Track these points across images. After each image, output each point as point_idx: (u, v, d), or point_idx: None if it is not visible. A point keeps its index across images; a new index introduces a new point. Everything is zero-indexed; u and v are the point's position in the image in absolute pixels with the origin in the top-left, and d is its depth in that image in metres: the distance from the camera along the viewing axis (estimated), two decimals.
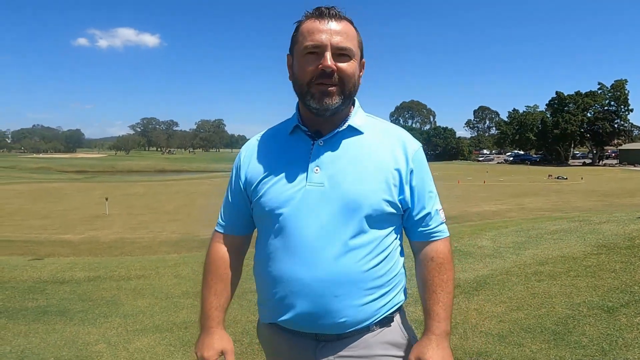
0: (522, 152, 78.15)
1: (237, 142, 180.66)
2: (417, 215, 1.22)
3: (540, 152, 73.07)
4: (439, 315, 1.17)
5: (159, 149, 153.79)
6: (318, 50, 1.12)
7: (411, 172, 1.19)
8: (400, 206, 1.19)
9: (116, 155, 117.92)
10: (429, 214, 1.22)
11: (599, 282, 4.14)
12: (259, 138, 1.31)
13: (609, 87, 62.76)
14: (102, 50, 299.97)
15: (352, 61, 1.15)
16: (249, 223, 1.30)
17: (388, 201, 1.15)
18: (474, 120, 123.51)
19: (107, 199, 15.90)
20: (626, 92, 61.50)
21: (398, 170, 1.17)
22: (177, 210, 16.05)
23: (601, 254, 5.10)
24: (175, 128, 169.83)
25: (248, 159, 1.27)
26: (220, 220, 1.33)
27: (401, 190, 1.18)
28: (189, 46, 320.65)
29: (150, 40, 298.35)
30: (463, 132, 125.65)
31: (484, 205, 13.99)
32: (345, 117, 1.21)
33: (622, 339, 2.94)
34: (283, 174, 1.18)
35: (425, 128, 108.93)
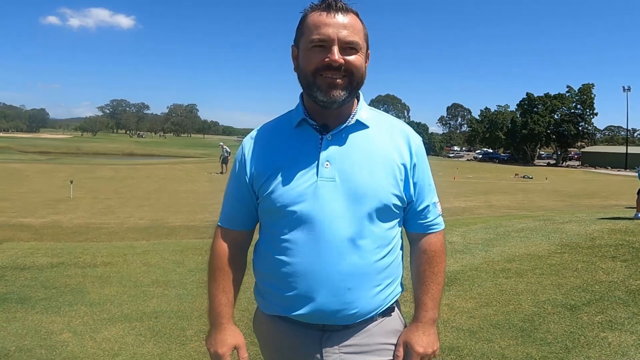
0: (491, 151, 79.99)
1: (210, 127, 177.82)
2: (417, 207, 1.26)
3: (508, 151, 75.02)
4: (427, 304, 1.26)
5: (128, 132, 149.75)
6: (325, 44, 1.12)
7: (414, 166, 1.23)
8: (405, 199, 1.23)
9: (82, 136, 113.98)
10: (427, 206, 1.27)
11: (562, 280, 4.29)
12: (262, 131, 1.28)
13: (577, 91, 64.85)
14: (73, 30, 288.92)
15: (359, 54, 1.15)
16: (254, 217, 1.30)
17: (396, 195, 1.20)
18: (446, 116, 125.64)
19: (71, 182, 15.34)
20: (592, 96, 63.67)
21: (404, 165, 1.22)
22: (147, 196, 15.67)
23: (564, 253, 5.29)
24: (146, 111, 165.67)
25: (253, 153, 1.24)
26: (224, 215, 1.31)
27: (406, 184, 1.22)
28: (165, 29, 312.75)
29: (125, 21, 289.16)
30: (436, 128, 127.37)
31: (454, 201, 14.25)
32: (352, 111, 1.22)
33: (584, 337, 3.05)
34: (293, 169, 1.17)
35: None
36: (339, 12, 1.14)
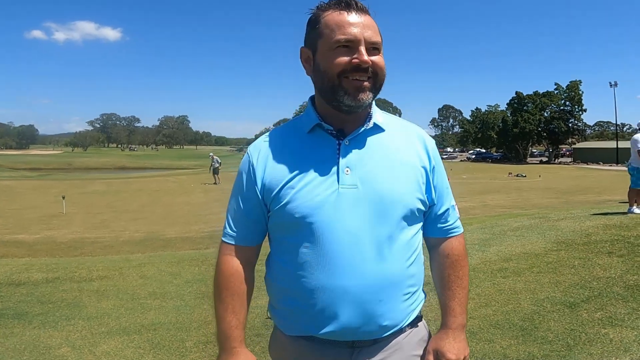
0: (483, 150, 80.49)
1: (202, 138, 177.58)
2: (438, 211, 1.23)
3: (501, 151, 75.48)
4: (455, 310, 1.22)
5: (119, 146, 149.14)
6: (351, 45, 1.08)
7: (433, 168, 1.20)
8: (427, 203, 1.20)
9: (73, 152, 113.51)
10: (447, 209, 1.24)
11: (560, 278, 4.30)
12: (269, 139, 1.20)
13: (565, 88, 65.50)
14: (59, 44, 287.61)
15: (381, 54, 1.13)
16: (263, 232, 1.21)
17: (420, 199, 1.16)
18: (438, 118, 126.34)
19: (64, 198, 15.22)
20: (580, 92, 64.33)
21: (424, 168, 1.18)
22: (141, 209, 15.58)
23: (561, 250, 5.30)
24: (137, 124, 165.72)
25: (263, 162, 1.15)
26: (230, 231, 1.21)
27: (428, 188, 1.19)
28: (152, 41, 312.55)
29: (111, 34, 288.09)
30: (428, 130, 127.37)
31: None
32: (368, 114, 1.18)
33: (585, 334, 3.05)
34: (311, 177, 1.10)
35: None
36: (360, 12, 1.10)
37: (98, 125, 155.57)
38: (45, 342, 3.33)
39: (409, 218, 1.14)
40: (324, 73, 1.10)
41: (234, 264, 1.19)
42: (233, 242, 1.20)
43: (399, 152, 1.17)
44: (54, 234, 10.70)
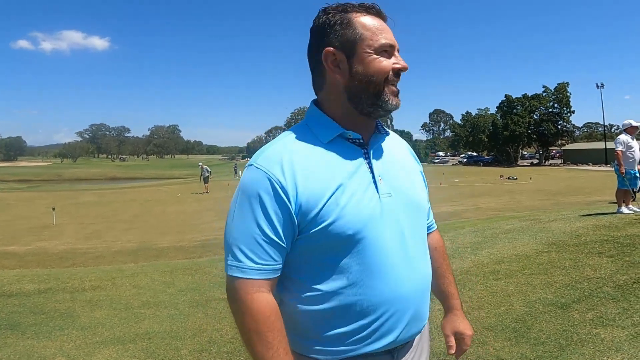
0: (475, 154, 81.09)
1: (193, 147, 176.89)
2: (426, 209, 1.30)
3: (492, 154, 76.08)
4: (455, 294, 1.35)
5: (109, 156, 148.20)
6: (390, 50, 1.07)
7: (421, 171, 1.28)
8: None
9: (62, 163, 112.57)
10: (430, 207, 1.33)
11: (551, 279, 4.34)
12: (287, 152, 1.05)
13: (553, 90, 66.27)
14: (46, 54, 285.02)
15: None
16: (284, 257, 1.07)
17: (427, 201, 1.26)
18: (429, 123, 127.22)
19: (54, 209, 15.08)
20: (568, 94, 65.11)
21: (420, 171, 1.27)
22: (133, 219, 15.47)
23: (552, 252, 5.36)
24: (127, 134, 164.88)
25: (292, 179, 1.01)
26: (252, 264, 1.01)
27: (426, 190, 1.27)
28: (141, 50, 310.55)
29: (99, 43, 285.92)
30: (419, 135, 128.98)
31: (441, 206, 14.37)
32: (376, 120, 1.18)
33: (577, 335, 3.09)
34: (353, 190, 1.04)
35: None
36: (385, 18, 1.11)
37: (87, 136, 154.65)
38: (39, 353, 3.31)
39: (425, 220, 1.23)
40: (370, 78, 1.05)
41: (269, 300, 1.03)
42: (262, 277, 1.02)
43: (404, 156, 1.23)
44: (45, 245, 10.59)
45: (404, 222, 1.09)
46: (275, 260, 1.04)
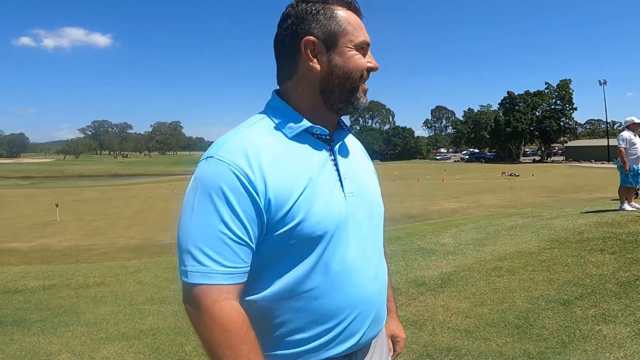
0: (477, 151, 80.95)
1: (195, 144, 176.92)
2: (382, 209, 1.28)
3: (494, 150, 75.98)
4: (391, 296, 1.30)
5: (111, 153, 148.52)
6: (366, 47, 1.05)
7: (374, 170, 1.24)
8: None
9: (65, 159, 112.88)
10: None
11: (553, 276, 4.36)
12: (251, 144, 0.95)
13: (555, 87, 66.11)
14: (49, 51, 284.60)
15: None
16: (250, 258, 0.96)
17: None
18: (431, 119, 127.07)
19: (57, 205, 15.16)
20: (570, 91, 64.96)
21: (374, 171, 1.22)
22: (135, 215, 15.54)
23: (554, 249, 5.37)
24: (129, 131, 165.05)
25: (260, 173, 0.92)
26: (220, 267, 0.90)
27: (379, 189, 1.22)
28: (143, 47, 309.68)
29: (101, 40, 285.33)
30: (421, 132, 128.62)
31: (443, 203, 14.40)
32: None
33: (579, 331, 3.10)
34: (321, 188, 0.98)
35: (385, 128, 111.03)
36: (361, 18, 1.07)
37: (90, 133, 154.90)
38: (45, 349, 3.33)
39: (381, 220, 1.18)
40: (347, 73, 1.02)
41: (239, 308, 0.92)
42: (231, 282, 0.91)
43: (361, 154, 1.19)
44: (49, 242, 10.66)
45: (364, 223, 1.06)
46: (245, 262, 0.93)
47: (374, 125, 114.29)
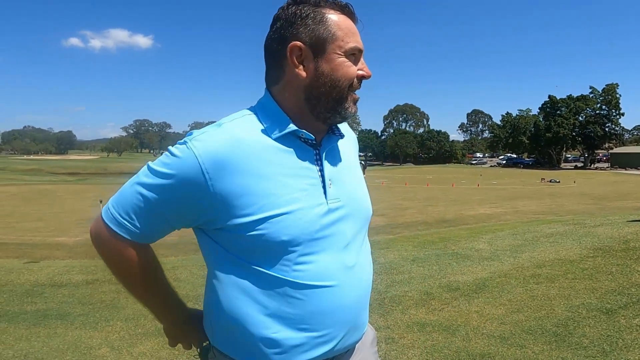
0: (514, 156, 78.77)
1: None
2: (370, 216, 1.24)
3: (533, 156, 73.72)
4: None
5: (151, 151, 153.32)
6: (357, 54, 1.01)
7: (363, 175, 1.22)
8: None
9: (108, 157, 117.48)
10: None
11: (596, 284, 4.20)
12: (226, 141, 0.94)
13: (600, 91, 63.52)
14: (95, 51, 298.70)
15: None
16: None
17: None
18: (467, 123, 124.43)
19: (101, 202, 15.73)
20: (617, 96, 62.28)
21: (362, 176, 1.19)
22: None
23: (597, 257, 5.17)
24: (168, 130, 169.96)
25: (226, 173, 0.92)
26: (131, 226, 0.98)
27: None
28: (183, 47, 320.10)
29: (143, 41, 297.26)
30: (456, 136, 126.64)
31: (479, 208, 14.09)
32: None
33: (622, 340, 2.98)
34: (299, 193, 0.96)
35: (419, 131, 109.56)
36: (356, 22, 1.02)
37: (132, 131, 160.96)
38: (86, 343, 3.45)
39: (367, 226, 1.15)
40: (335, 81, 0.98)
41: (142, 258, 1.06)
42: (135, 240, 1.01)
43: (353, 160, 1.15)
44: None
45: (349, 230, 1.03)
46: (154, 233, 1.01)
47: (407, 129, 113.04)
